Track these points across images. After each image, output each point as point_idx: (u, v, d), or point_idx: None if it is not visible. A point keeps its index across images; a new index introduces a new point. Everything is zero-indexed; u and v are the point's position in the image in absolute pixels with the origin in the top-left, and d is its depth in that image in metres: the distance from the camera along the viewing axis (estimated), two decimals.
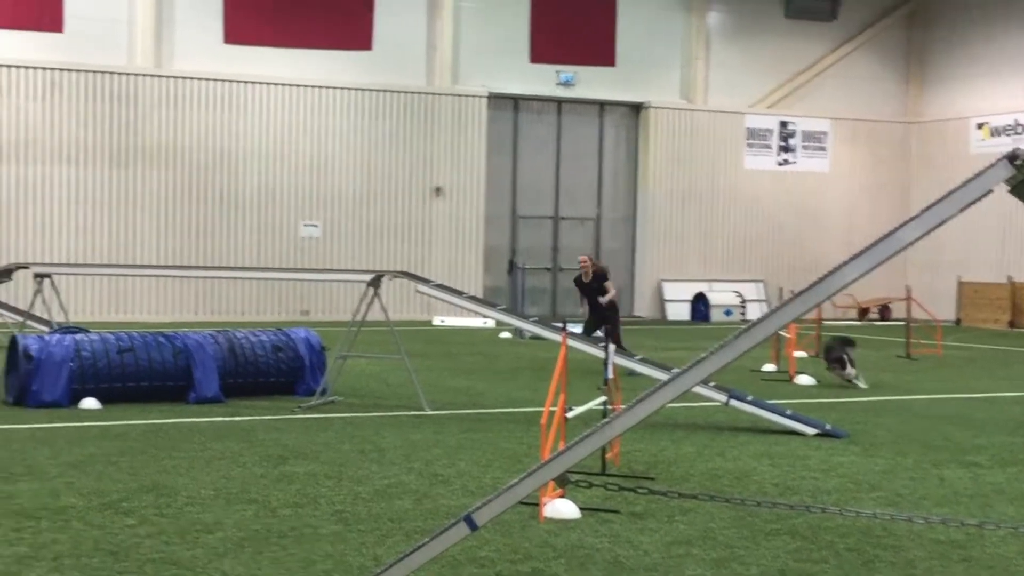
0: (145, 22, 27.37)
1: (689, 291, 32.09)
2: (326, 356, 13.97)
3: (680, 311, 31.91)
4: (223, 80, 28.11)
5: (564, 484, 7.64)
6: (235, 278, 23.53)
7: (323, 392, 13.17)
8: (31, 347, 12.53)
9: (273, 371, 13.72)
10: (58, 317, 15.35)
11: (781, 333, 15.56)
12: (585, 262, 17.36)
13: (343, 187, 29.28)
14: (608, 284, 17.16)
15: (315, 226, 28.97)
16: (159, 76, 27.58)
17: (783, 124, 33.63)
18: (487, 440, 10.80)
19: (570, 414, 8.43)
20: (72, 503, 7.80)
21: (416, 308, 25.13)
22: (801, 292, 4.68)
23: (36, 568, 6.26)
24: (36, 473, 8.80)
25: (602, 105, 32.32)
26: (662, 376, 11.25)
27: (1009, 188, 4.41)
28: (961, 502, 8.43)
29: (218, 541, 6.92)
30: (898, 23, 34.81)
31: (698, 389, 11.25)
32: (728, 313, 31.49)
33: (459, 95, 30.28)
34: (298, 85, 28.74)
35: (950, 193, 4.40)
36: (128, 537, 6.96)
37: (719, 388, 11.48)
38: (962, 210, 4.41)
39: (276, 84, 28.57)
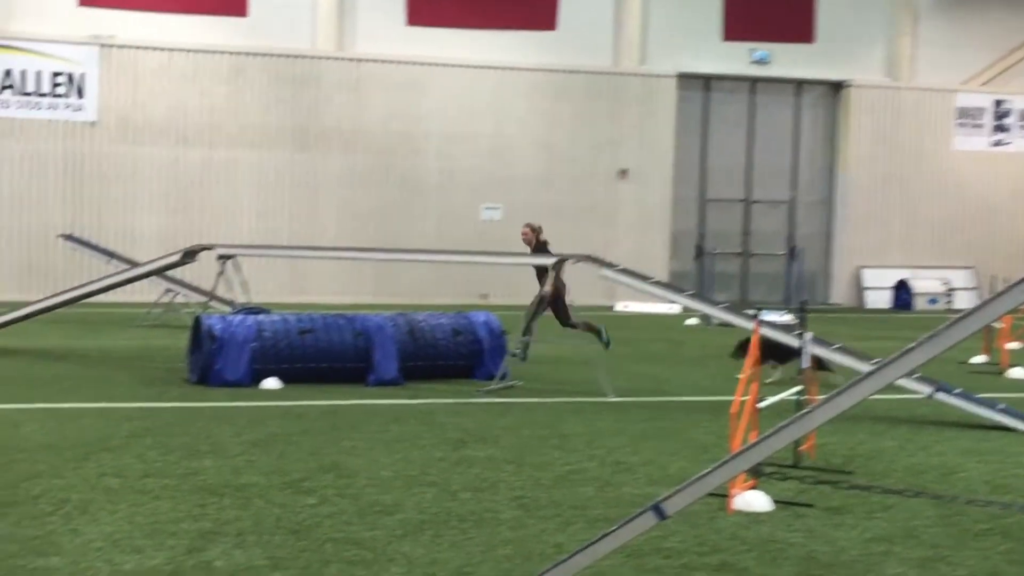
0: (328, 5, 28.12)
1: (890, 278, 31.18)
2: (506, 340, 14.09)
3: (880, 299, 31.04)
4: (405, 63, 28.66)
5: (758, 476, 7.55)
6: (415, 261, 23.94)
7: (503, 376, 13.30)
8: (215, 327, 13.03)
9: (452, 354, 13.93)
10: (240, 298, 15.93)
11: (993, 324, 14.94)
12: (525, 232, 15.88)
13: (525, 170, 29.50)
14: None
15: (496, 209, 29.26)
16: (341, 59, 28.29)
17: (997, 103, 32.30)
18: (672, 428, 10.72)
19: (762, 404, 8.28)
20: (254, 481, 8.07)
21: (598, 293, 25.07)
22: (1018, 282, 4.47)
23: (220, 544, 6.50)
24: (219, 451, 9.14)
25: (799, 84, 31.66)
26: (862, 367, 10.95)
27: None
28: None
29: (398, 523, 7.05)
30: None
31: (901, 380, 10.91)
32: (933, 302, 30.47)
33: (647, 75, 30.14)
34: (480, 67, 29.07)
35: None
36: (309, 516, 7.16)
37: (924, 380, 11.09)
38: None
39: (458, 66, 28.96)
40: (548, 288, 14.01)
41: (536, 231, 15.71)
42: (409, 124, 28.93)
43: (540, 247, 15.51)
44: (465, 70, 29.08)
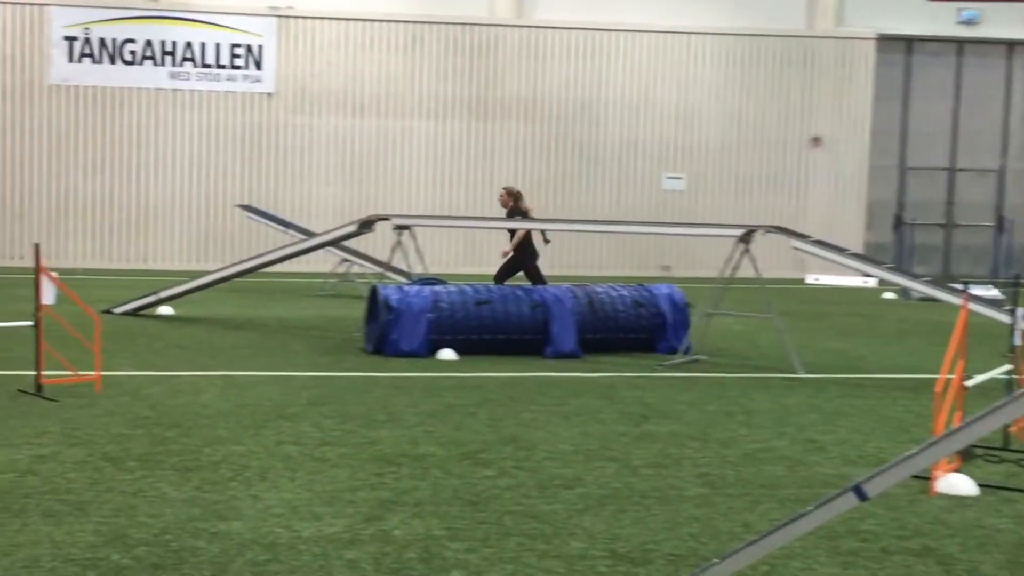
0: None
1: None
2: (690, 313, 13.96)
3: None
4: (586, 29, 28.62)
5: (968, 458, 7.30)
6: (594, 232, 23.99)
7: (686, 351, 13.19)
8: (391, 298, 13.26)
9: (633, 327, 13.88)
10: (416, 268, 16.19)
11: None
12: (503, 195, 16.43)
13: (710, 137, 29.18)
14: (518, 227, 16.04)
15: (679, 178, 29.03)
16: (520, 27, 28.42)
17: None
18: (868, 407, 10.45)
19: (969, 383, 7.99)
20: (431, 451, 8.19)
21: (787, 265, 24.69)
22: None
23: (398, 513, 6.61)
24: (396, 421, 9.31)
25: (1012, 45, 30.40)
26: None
27: None
28: None
29: (578, 497, 7.05)
30: None
31: None
32: None
33: (843, 38, 29.41)
34: (665, 32, 28.83)
35: None
36: (487, 488, 7.22)
37: None
38: None
39: (641, 31, 28.78)
40: (519, 236, 15.28)
41: (514, 195, 16.22)
42: (589, 92, 28.92)
43: (515, 212, 16.10)
44: (649, 35, 28.88)
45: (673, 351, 13.39)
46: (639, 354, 13.61)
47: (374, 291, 13.66)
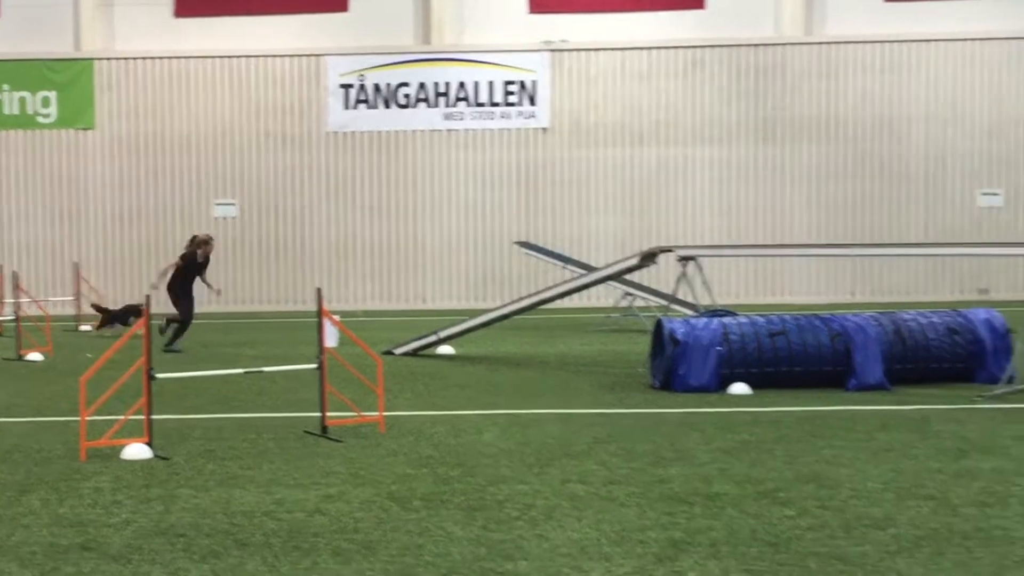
0: None
1: None
2: (1012, 340, 13.34)
3: None
4: (883, 41, 27.99)
5: None
6: (900, 255, 23.27)
7: (1009, 380, 12.60)
8: (677, 331, 13.21)
9: (948, 356, 13.40)
10: (703, 300, 16.08)
11: None
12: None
13: None
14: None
15: (996, 194, 27.89)
16: (810, 44, 28.05)
17: None
18: None
19: None
20: (725, 490, 8.08)
21: None
22: None
23: (692, 554, 6.55)
24: (687, 458, 9.23)
25: None
26: None
27: None
28: None
29: (890, 538, 6.82)
30: None
31: None
32: None
33: None
34: (971, 40, 27.97)
35: None
36: (787, 528, 7.07)
37: None
38: None
39: (944, 40, 27.98)
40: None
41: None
42: (889, 107, 28.22)
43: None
44: (953, 44, 27.96)
45: (994, 381, 12.83)
46: (955, 385, 13.12)
47: (659, 324, 13.64)
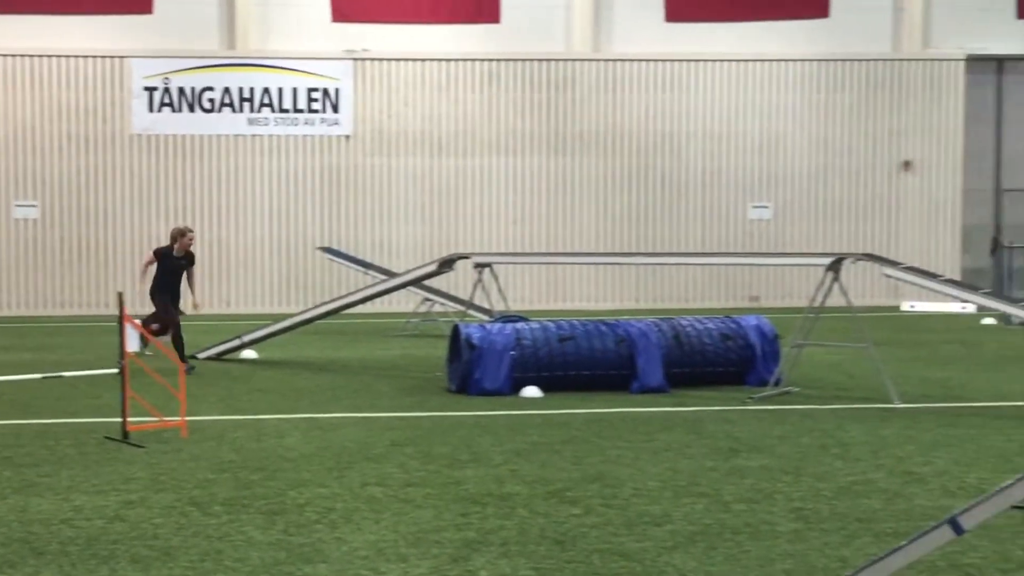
0: (583, 7, 28.44)
1: None
2: (779, 345, 13.85)
3: None
4: (664, 60, 28.65)
5: None
6: (679, 264, 23.89)
7: (776, 383, 13.08)
8: (473, 336, 13.32)
9: (721, 360, 13.80)
10: (498, 306, 16.25)
11: None
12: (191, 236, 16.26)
13: (796, 165, 28.98)
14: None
15: (765, 207, 28.86)
16: (597, 60, 28.54)
17: None
18: (969, 436, 10.27)
19: None
20: (517, 490, 8.20)
21: (881, 293, 24.42)
22: None
23: (484, 553, 6.63)
24: (481, 460, 9.33)
25: None
26: None
27: None
28: None
29: (667, 534, 7.02)
30: None
31: None
32: None
33: (931, 60, 29.08)
34: (745, 60, 28.78)
35: None
36: (574, 526, 7.22)
37: None
38: None
39: (721, 61, 28.76)
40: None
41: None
42: (670, 123, 28.88)
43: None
44: (729, 65, 28.81)
45: (763, 383, 13.28)
46: (728, 387, 13.50)
47: (456, 330, 13.73)
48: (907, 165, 29.10)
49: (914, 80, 29.11)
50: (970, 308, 23.51)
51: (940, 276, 13.74)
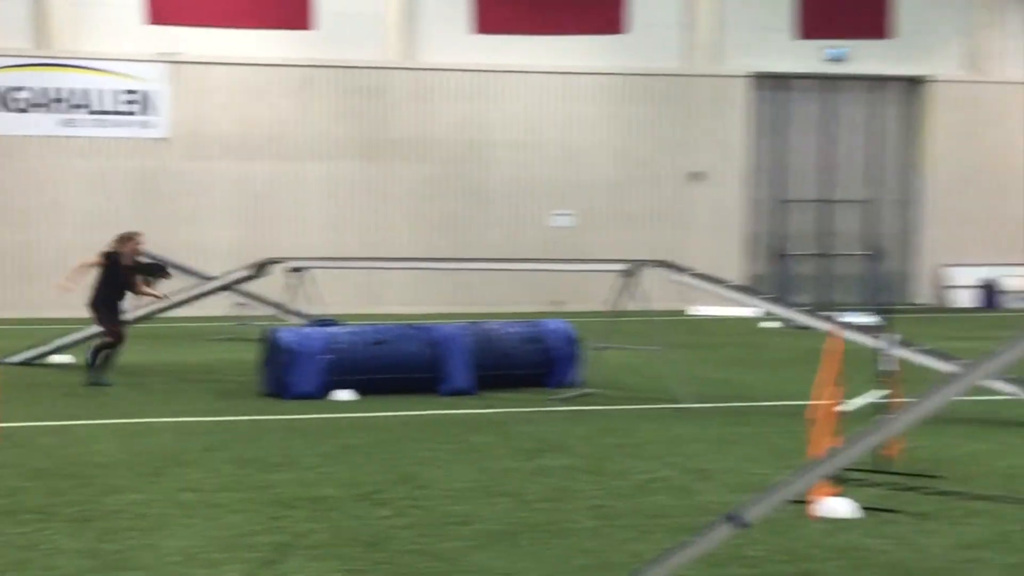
0: (395, 16, 28.36)
1: (975, 276, 30.67)
2: (580, 348, 14.06)
3: (965, 298, 30.54)
4: (472, 71, 28.80)
5: (841, 483, 7.45)
6: (486, 270, 24.02)
7: (578, 384, 13.28)
8: (287, 340, 13.16)
9: (526, 363, 13.91)
10: (313, 310, 16.08)
11: None
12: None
13: (596, 175, 29.48)
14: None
15: (568, 215, 29.29)
16: (409, 69, 28.52)
17: None
18: (753, 434, 10.62)
19: (845, 408, 8.18)
20: (329, 493, 8.13)
21: (674, 297, 24.92)
22: None
23: (295, 557, 6.55)
24: (293, 463, 9.22)
25: (876, 80, 31.25)
26: (948, 368, 10.78)
27: None
28: None
29: (474, 533, 7.06)
30: None
31: (994, 383, 10.69)
32: None
33: (719, 76, 29.96)
34: (548, 72, 29.12)
35: None
36: (384, 528, 7.20)
37: (1016, 381, 10.88)
38: None
39: (525, 72, 29.06)
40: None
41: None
42: (478, 132, 29.05)
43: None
44: (533, 76, 29.12)
45: (565, 385, 13.46)
46: (533, 389, 13.59)
47: (270, 333, 13.53)
48: (696, 176, 29.90)
49: (703, 95, 29.93)
50: (753, 312, 24.28)
51: (726, 282, 14.14)
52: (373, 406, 12.36)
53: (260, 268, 15.65)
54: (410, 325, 14.14)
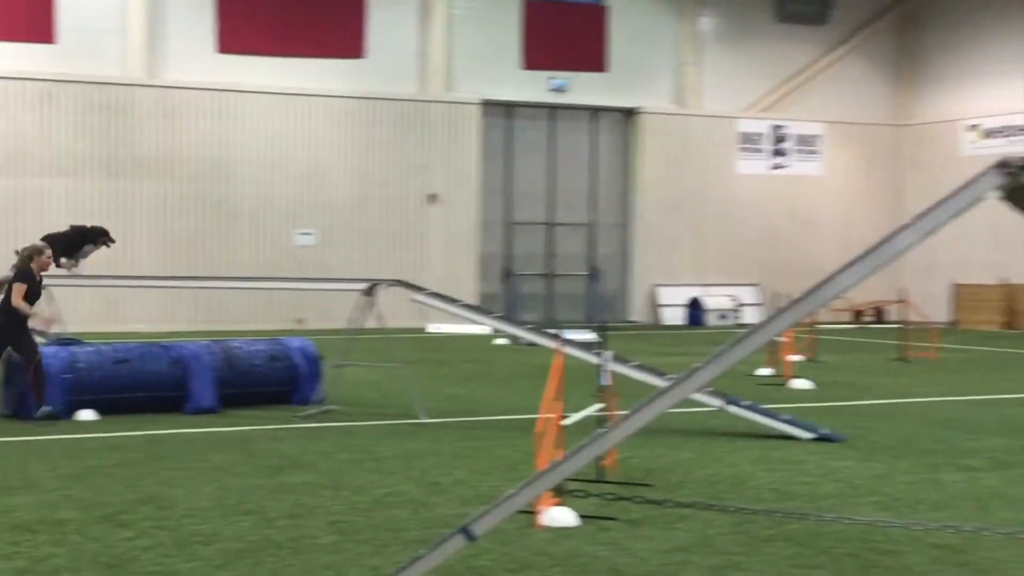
0: (138, 32, 27.41)
1: (683, 296, 32.10)
2: (322, 365, 13.95)
3: (675, 316, 31.92)
4: (216, 90, 28.17)
5: (561, 494, 7.69)
6: (230, 288, 23.48)
7: (320, 402, 13.18)
8: None
9: (269, 381, 13.69)
10: (53, 329, 15.30)
11: (776, 337, 15.55)
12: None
13: (337, 195, 29.33)
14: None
15: (310, 234, 29.01)
16: (152, 86, 27.61)
17: (776, 128, 33.68)
18: (484, 448, 10.79)
19: (566, 422, 8.43)
20: (70, 516, 7.79)
21: (412, 315, 25.06)
22: (797, 299, 4.67)
23: None
24: (34, 486, 8.79)
25: (595, 111, 32.36)
26: (658, 383, 11.25)
27: (1000, 196, 4.38)
28: (958, 506, 8.44)
29: (216, 553, 6.91)
30: (889, 26, 34.88)
31: (694, 394, 11.24)
32: (723, 317, 31.51)
33: (452, 102, 30.34)
34: (291, 94, 28.81)
35: (942, 201, 4.38)
36: (126, 550, 6.95)
37: (715, 393, 11.49)
38: (954, 217, 4.39)
39: (269, 93, 28.64)
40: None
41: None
42: (222, 151, 28.41)
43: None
44: (276, 97, 28.74)
45: (308, 402, 13.33)
46: (276, 407, 13.36)
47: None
48: (433, 198, 30.18)
49: (438, 120, 30.27)
50: (486, 329, 24.69)
51: (459, 301, 14.33)
52: (116, 426, 11.90)
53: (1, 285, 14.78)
54: (153, 344, 13.68)
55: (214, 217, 28.21)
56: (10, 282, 12.39)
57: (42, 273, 12.64)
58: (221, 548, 7.01)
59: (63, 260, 15.18)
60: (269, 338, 14.73)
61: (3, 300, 12.32)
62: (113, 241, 15.62)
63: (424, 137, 30.14)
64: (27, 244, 13.24)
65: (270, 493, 8.64)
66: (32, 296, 12.40)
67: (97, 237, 15.57)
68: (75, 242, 15.70)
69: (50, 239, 14.73)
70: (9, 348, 12.26)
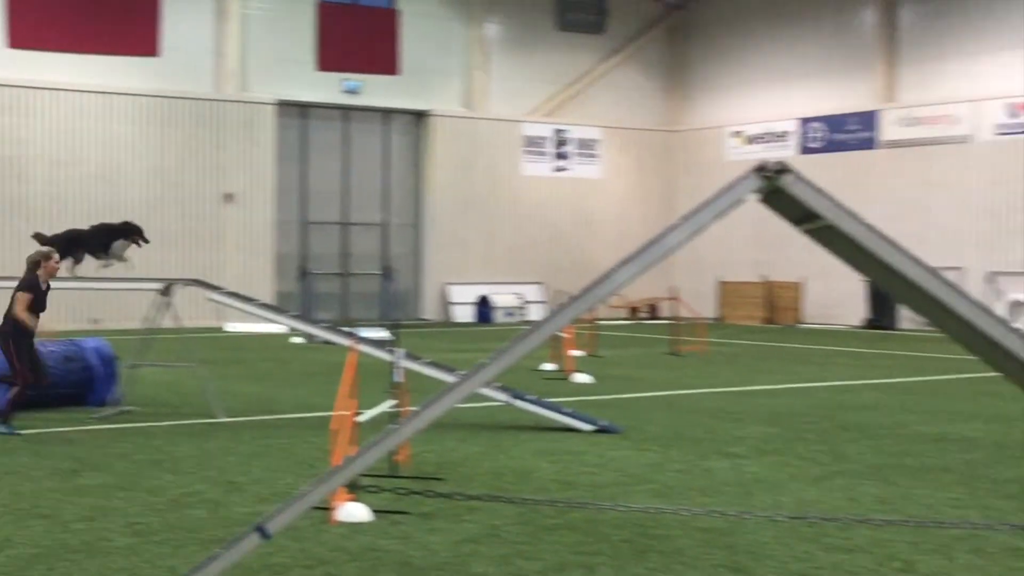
0: None
1: (473, 294, 32.39)
2: (118, 365, 13.45)
3: (465, 313, 32.19)
4: (7, 85, 26.79)
5: (355, 490, 7.66)
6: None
7: (116, 403, 12.71)
8: None
9: (63, 382, 13.07)
10: None
11: (558, 333, 15.88)
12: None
13: (133, 194, 28.33)
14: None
15: None
16: None
17: (558, 132, 34.34)
18: (281, 446, 10.64)
19: (360, 418, 8.41)
20: None
21: (209, 314, 24.47)
22: (576, 296, 4.75)
23: None
24: None
25: (387, 112, 32.29)
26: (450, 379, 11.34)
27: (759, 198, 4.55)
28: (724, 491, 8.81)
29: (8, 559, 6.60)
30: (660, 36, 36.02)
31: (482, 390, 11.36)
32: (510, 315, 31.95)
33: (247, 102, 29.75)
34: (85, 91, 27.69)
35: (706, 202, 4.51)
36: None
37: (502, 388, 11.64)
38: (718, 218, 4.53)
39: (62, 90, 27.45)
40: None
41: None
42: (14, 148, 27.03)
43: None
44: (70, 94, 27.55)
45: (103, 403, 12.83)
46: (70, 408, 12.79)
47: None
48: (229, 197, 29.52)
49: (234, 120, 29.62)
50: (282, 328, 24.31)
51: (256, 300, 14.06)
52: None
53: None
54: None
55: (6, 216, 26.79)
56: (13, 291, 11.37)
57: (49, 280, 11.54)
58: (13, 554, 6.70)
59: (99, 258, 13.68)
60: (64, 339, 14.08)
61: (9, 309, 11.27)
62: (147, 240, 14.07)
63: (220, 137, 29.43)
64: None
65: (64, 496, 8.30)
66: (37, 307, 11.36)
67: (129, 234, 13.99)
68: (102, 239, 14.15)
69: (72, 236, 13.62)
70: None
